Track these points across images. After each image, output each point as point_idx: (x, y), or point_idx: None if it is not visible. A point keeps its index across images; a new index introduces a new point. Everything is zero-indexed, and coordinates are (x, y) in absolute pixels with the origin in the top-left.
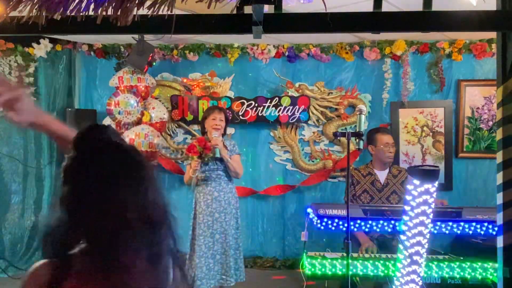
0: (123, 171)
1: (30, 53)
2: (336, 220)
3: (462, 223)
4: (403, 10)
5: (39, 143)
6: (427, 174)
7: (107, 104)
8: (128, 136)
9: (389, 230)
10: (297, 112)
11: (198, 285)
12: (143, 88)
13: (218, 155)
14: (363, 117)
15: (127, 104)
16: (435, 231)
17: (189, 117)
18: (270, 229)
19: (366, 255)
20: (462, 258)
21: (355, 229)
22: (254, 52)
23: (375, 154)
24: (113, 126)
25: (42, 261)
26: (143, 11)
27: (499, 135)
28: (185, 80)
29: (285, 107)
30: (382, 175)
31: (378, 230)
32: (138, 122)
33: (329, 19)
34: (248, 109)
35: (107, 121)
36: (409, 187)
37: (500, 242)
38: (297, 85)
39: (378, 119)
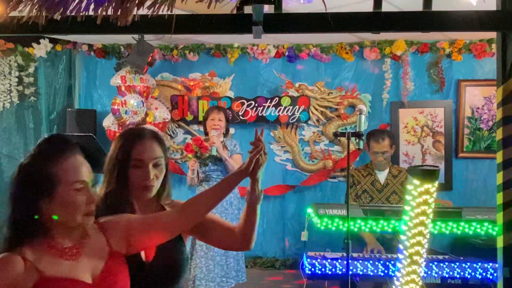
0: None
1: (30, 53)
2: (336, 220)
3: (462, 223)
4: (403, 10)
5: None
6: (427, 174)
7: (112, 103)
8: None
9: (389, 230)
10: (297, 112)
11: (197, 286)
12: (143, 89)
13: (214, 153)
14: (363, 117)
15: (134, 104)
16: (435, 231)
17: (189, 117)
18: (270, 229)
19: (367, 255)
20: (462, 258)
21: (355, 229)
22: (254, 52)
23: (370, 156)
24: (115, 126)
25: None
26: (143, 11)
27: (499, 135)
28: (185, 80)
29: (285, 107)
30: (382, 175)
31: (378, 230)
32: (139, 123)
33: (329, 19)
34: (248, 109)
35: (108, 120)
36: (409, 187)
37: (500, 242)
38: (297, 85)
39: (378, 119)
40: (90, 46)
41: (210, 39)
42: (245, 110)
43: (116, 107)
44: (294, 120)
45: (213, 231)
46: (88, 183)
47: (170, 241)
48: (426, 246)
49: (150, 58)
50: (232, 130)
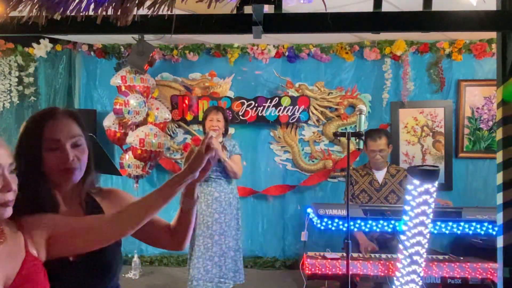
0: None
1: (30, 53)
2: (336, 220)
3: (462, 223)
4: (403, 10)
5: None
6: (427, 174)
7: (114, 103)
8: (138, 136)
9: (389, 230)
10: (297, 112)
11: (194, 286)
12: (143, 89)
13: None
14: (363, 117)
15: (137, 104)
16: (435, 231)
17: (189, 117)
18: (270, 229)
19: (366, 256)
20: (462, 258)
21: (355, 229)
22: (254, 52)
23: (367, 155)
24: (116, 126)
25: None
26: (143, 11)
27: (499, 135)
28: (185, 80)
29: (285, 107)
30: (379, 174)
31: (378, 230)
32: (141, 123)
33: (329, 19)
34: (248, 109)
35: (108, 120)
36: (409, 187)
37: (500, 242)
38: (297, 85)
39: (378, 119)
40: (90, 46)
41: (210, 39)
42: (245, 110)
43: (118, 106)
44: (294, 120)
45: (151, 232)
46: (4, 168)
47: None
48: (426, 246)
49: (150, 58)
50: (232, 130)
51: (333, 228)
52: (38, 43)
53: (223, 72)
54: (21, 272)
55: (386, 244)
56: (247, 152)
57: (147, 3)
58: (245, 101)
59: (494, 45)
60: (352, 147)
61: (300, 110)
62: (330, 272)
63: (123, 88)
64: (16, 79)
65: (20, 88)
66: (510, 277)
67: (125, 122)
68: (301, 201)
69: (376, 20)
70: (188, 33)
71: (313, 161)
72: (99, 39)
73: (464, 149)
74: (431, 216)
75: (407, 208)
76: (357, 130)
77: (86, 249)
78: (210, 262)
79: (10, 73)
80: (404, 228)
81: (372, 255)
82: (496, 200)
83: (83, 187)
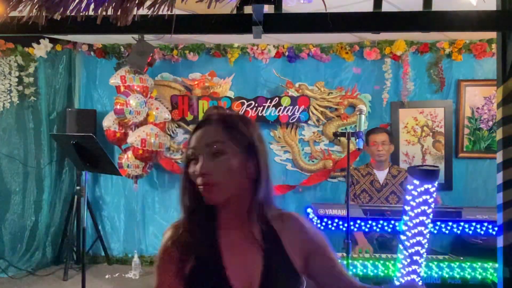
0: None
1: (30, 53)
2: (336, 220)
3: (462, 223)
4: (403, 10)
5: (39, 143)
6: (427, 174)
7: (115, 103)
8: (139, 136)
9: (389, 230)
10: (297, 112)
11: None
12: (143, 89)
13: None
14: (363, 117)
15: (138, 104)
16: (435, 231)
17: (189, 117)
18: None
19: (361, 256)
20: (462, 258)
21: (355, 229)
22: (254, 52)
23: (370, 153)
24: (116, 126)
25: None
26: (143, 11)
27: (499, 135)
28: (185, 80)
29: (285, 107)
30: (381, 175)
31: (378, 230)
32: (141, 123)
33: (329, 19)
34: (248, 109)
35: (108, 121)
36: (409, 187)
37: (500, 242)
38: (297, 85)
39: (378, 119)
40: (90, 46)
41: (210, 39)
42: (245, 110)
43: (119, 107)
44: (294, 120)
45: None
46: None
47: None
48: (426, 246)
49: (150, 58)
50: None
51: (333, 228)
52: (38, 43)
53: (223, 72)
54: None
55: (386, 244)
56: None
57: (147, 3)
58: (245, 101)
59: (494, 45)
60: (352, 147)
61: (300, 110)
62: None
63: (122, 88)
64: (16, 79)
65: (20, 88)
66: (510, 277)
67: (126, 122)
68: (301, 201)
69: (376, 20)
70: (188, 33)
71: (313, 161)
72: (99, 39)
73: (464, 149)
74: (431, 216)
75: (407, 208)
76: (357, 130)
77: None
78: None
79: (10, 73)
80: (404, 228)
81: (367, 255)
82: (496, 200)
83: (252, 211)
